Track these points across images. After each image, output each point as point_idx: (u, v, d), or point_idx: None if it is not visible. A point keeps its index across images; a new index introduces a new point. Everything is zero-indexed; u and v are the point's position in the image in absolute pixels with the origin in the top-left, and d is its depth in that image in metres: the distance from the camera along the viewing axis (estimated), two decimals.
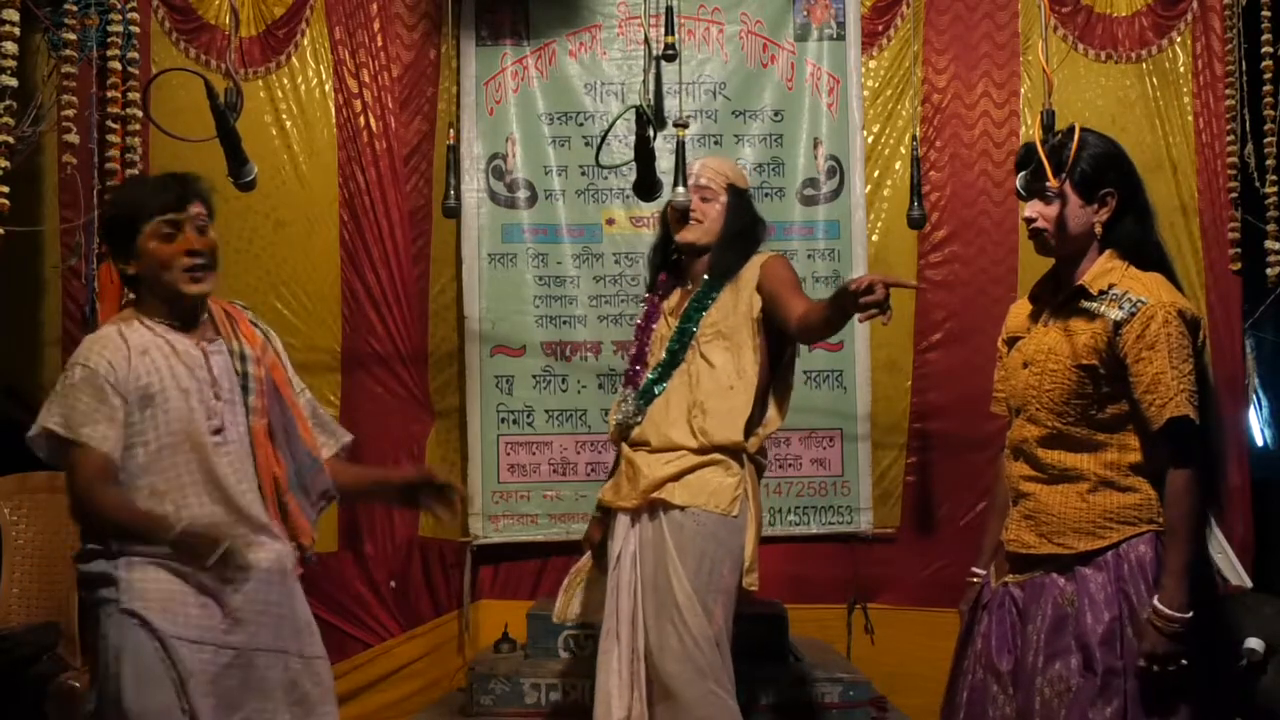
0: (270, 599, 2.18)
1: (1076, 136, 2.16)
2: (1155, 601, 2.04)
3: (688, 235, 2.91)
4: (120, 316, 2.24)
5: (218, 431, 2.18)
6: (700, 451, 2.77)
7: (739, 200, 2.94)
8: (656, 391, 2.88)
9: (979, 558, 2.43)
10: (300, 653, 2.23)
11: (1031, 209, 2.21)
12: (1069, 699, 2.09)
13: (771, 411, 2.90)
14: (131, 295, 2.29)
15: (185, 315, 2.23)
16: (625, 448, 2.88)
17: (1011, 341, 2.34)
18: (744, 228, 2.93)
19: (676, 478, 2.75)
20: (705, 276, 2.91)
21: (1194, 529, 2.08)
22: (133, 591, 2.08)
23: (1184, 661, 2.03)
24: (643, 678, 2.73)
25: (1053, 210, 2.19)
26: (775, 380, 2.91)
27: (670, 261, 3.04)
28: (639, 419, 2.88)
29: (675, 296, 2.99)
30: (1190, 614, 2.02)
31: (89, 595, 2.15)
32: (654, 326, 3.00)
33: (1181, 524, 2.07)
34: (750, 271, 2.86)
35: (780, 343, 2.88)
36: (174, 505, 2.12)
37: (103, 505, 2.10)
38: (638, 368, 2.97)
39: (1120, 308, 2.11)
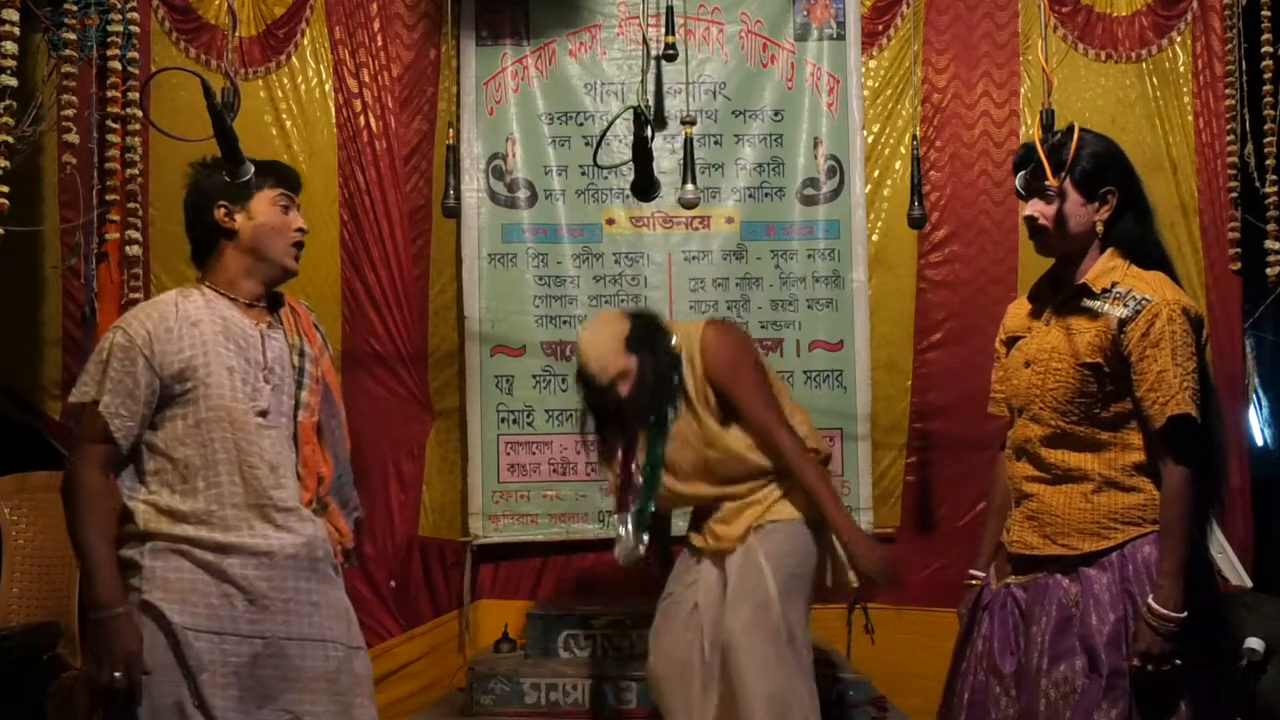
0: (300, 585, 2.16)
1: (1076, 135, 2.16)
2: (1150, 600, 2.04)
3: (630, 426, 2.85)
4: (179, 288, 2.25)
5: (263, 414, 2.17)
6: (767, 474, 2.84)
7: (641, 363, 2.80)
8: (647, 518, 2.88)
9: (977, 559, 2.42)
10: (342, 641, 2.21)
11: (1032, 207, 2.21)
12: (1074, 700, 2.08)
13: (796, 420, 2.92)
14: (132, 297, 2.30)
15: (258, 290, 2.24)
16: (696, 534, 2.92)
17: (1010, 341, 2.33)
18: (648, 370, 2.80)
19: (773, 504, 2.84)
20: (650, 415, 2.84)
21: (1190, 529, 2.07)
22: (154, 581, 2.07)
23: (1178, 661, 2.03)
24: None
25: (1053, 209, 2.18)
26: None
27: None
28: (640, 549, 2.88)
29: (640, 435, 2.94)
30: (1185, 614, 2.02)
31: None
32: (633, 464, 2.94)
33: (1178, 524, 2.06)
34: (692, 365, 2.82)
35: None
36: (204, 482, 2.11)
37: (78, 508, 2.08)
38: (627, 498, 2.92)
39: (1125, 306, 2.10)
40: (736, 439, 2.83)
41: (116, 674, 2.01)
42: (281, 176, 2.27)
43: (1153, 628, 2.03)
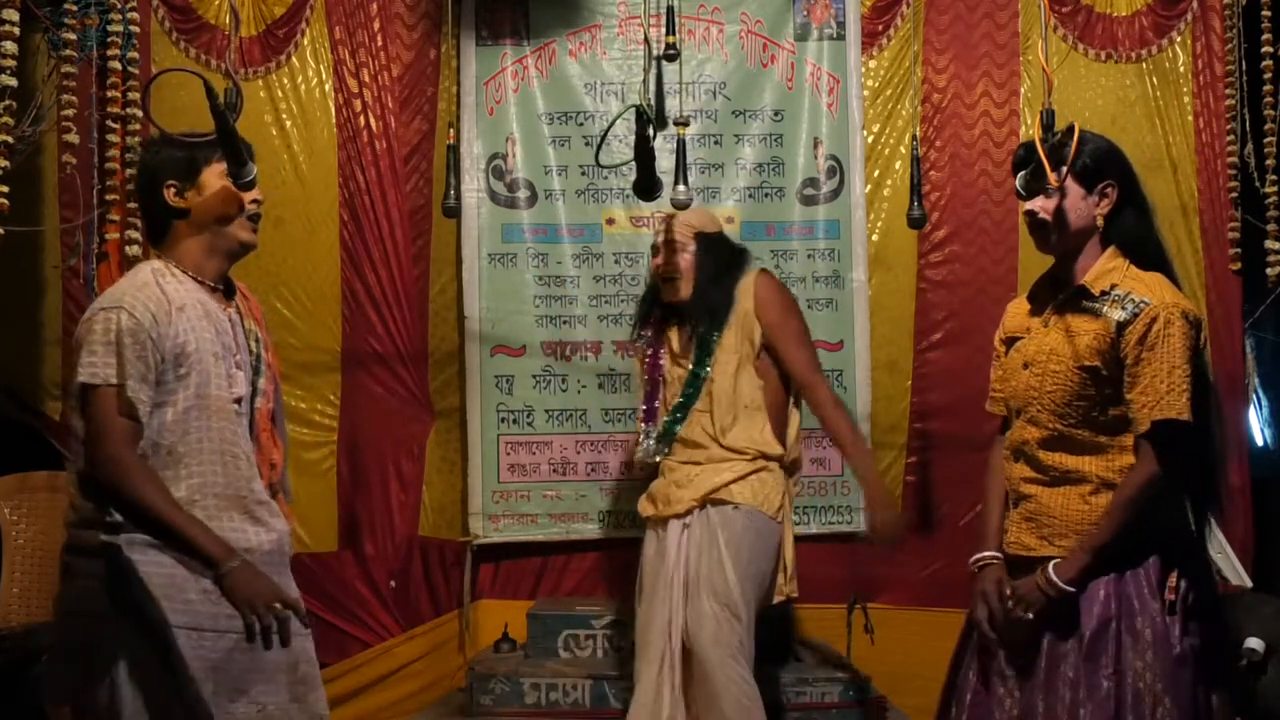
0: (275, 580, 2.14)
1: (1076, 135, 2.16)
2: (1051, 566, 2.10)
3: (671, 296, 3.12)
4: (151, 266, 2.16)
5: (238, 400, 2.15)
6: (751, 458, 2.99)
7: (708, 244, 3.12)
8: (677, 431, 3.08)
9: (983, 542, 2.33)
10: (299, 631, 2.19)
11: (1033, 203, 2.21)
12: (1073, 699, 2.09)
13: (792, 421, 3.12)
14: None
15: (220, 271, 2.20)
16: (670, 461, 3.09)
17: (1010, 341, 2.33)
18: (719, 268, 3.09)
19: (734, 481, 2.96)
20: (704, 322, 3.07)
21: (1126, 522, 2.08)
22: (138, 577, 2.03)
23: (1030, 616, 2.11)
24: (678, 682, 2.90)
25: (1054, 204, 2.19)
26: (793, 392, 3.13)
27: (662, 309, 3.22)
28: (659, 458, 3.11)
29: (675, 336, 3.15)
30: (1073, 590, 2.08)
31: (80, 564, 2.07)
32: (662, 364, 3.18)
33: (1119, 509, 2.08)
34: (745, 299, 3.06)
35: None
36: (187, 470, 2.08)
37: (137, 482, 2.00)
38: (655, 405, 3.17)
39: (1123, 309, 2.11)
40: (748, 384, 3.02)
41: (276, 605, 1.98)
42: (248, 152, 2.17)
43: (1039, 586, 2.10)
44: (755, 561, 2.94)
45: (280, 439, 2.31)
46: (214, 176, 2.16)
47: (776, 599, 3.07)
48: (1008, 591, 2.13)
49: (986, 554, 2.30)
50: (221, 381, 2.13)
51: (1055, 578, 2.10)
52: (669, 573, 2.96)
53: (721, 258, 3.12)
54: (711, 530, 2.92)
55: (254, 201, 2.20)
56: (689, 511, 2.97)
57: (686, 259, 3.09)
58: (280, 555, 2.21)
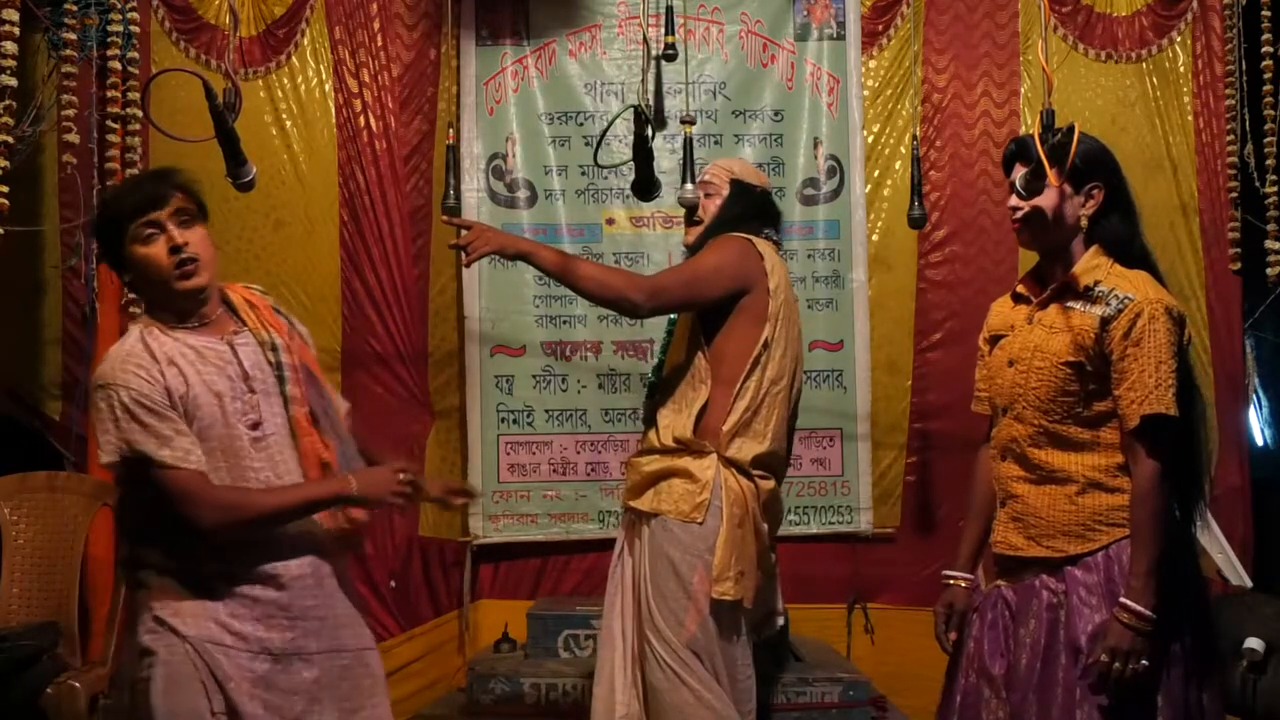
0: (306, 604, 2.14)
1: (1076, 135, 2.16)
2: (1123, 598, 2.04)
3: (687, 238, 2.90)
4: (139, 324, 2.13)
5: (255, 426, 2.11)
6: (665, 452, 2.73)
7: (739, 190, 2.84)
8: (657, 386, 2.88)
9: (956, 560, 2.41)
10: (345, 647, 2.19)
11: (1016, 199, 2.21)
12: (1060, 700, 2.09)
13: (738, 406, 2.70)
14: (131, 295, 2.23)
15: (195, 313, 2.14)
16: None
17: (994, 340, 2.34)
18: (731, 217, 2.82)
19: (651, 483, 2.73)
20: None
21: (1161, 528, 2.07)
22: (165, 599, 2.03)
23: (1145, 661, 2.03)
24: (640, 678, 2.71)
25: (1045, 201, 2.19)
26: (748, 374, 2.72)
27: None
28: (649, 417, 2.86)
29: None
30: (1155, 615, 2.02)
31: (133, 597, 2.10)
32: None
33: (1148, 523, 2.07)
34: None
35: (745, 330, 2.73)
36: None
37: (248, 508, 2.04)
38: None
39: (1107, 305, 2.12)
40: (690, 354, 2.76)
41: (400, 476, 2.16)
42: (139, 203, 2.06)
43: (1124, 624, 2.03)
44: (682, 577, 2.64)
45: (329, 434, 2.23)
46: (132, 245, 2.07)
47: (719, 596, 2.64)
48: (1104, 657, 2.04)
49: (952, 574, 2.42)
50: (230, 417, 2.09)
51: (1139, 608, 2.02)
52: (618, 570, 2.83)
53: (739, 210, 2.83)
54: (640, 545, 2.73)
55: (174, 250, 2.07)
56: (627, 509, 2.81)
57: (715, 204, 2.84)
58: (314, 579, 2.18)
